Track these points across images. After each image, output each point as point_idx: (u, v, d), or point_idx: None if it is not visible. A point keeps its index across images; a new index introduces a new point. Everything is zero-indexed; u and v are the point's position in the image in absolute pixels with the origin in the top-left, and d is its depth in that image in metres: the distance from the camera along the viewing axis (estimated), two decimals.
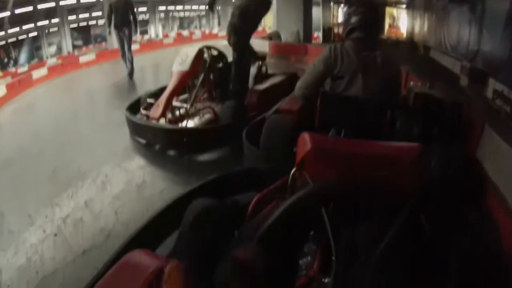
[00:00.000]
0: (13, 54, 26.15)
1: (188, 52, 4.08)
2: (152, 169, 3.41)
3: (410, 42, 19.68)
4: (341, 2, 2.97)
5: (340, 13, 13.02)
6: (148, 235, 1.64)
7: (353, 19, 2.38)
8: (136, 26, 8.34)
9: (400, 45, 19.27)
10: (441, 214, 1.49)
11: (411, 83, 3.28)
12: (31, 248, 2.41)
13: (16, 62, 25.25)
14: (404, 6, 31.31)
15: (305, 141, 1.26)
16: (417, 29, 21.83)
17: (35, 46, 19.91)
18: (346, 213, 1.07)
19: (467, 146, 2.68)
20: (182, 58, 4.06)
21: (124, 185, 3.10)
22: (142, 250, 1.22)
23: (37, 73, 9.87)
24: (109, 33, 9.15)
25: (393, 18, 33.84)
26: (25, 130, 5.07)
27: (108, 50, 14.53)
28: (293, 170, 1.34)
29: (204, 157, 3.50)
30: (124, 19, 8.04)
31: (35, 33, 25.81)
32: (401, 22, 32.47)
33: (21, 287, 2.18)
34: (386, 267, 1.02)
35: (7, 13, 18.53)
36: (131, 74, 8.43)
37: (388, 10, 33.09)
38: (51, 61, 16.83)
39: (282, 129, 2.72)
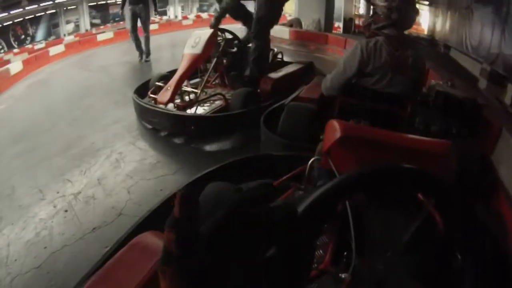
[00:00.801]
0: (30, 31, 26.25)
1: (201, 35, 3.94)
2: (168, 148, 3.37)
3: (431, 40, 19.42)
4: None
5: (362, 4, 12.78)
6: (160, 216, 1.63)
7: (393, 15, 2.28)
8: (155, 4, 7.52)
9: (421, 41, 19.03)
10: (457, 212, 1.48)
11: (432, 81, 3.23)
12: (41, 223, 2.43)
13: (33, 39, 25.37)
14: (427, 2, 30.87)
15: (334, 128, 1.24)
16: (438, 27, 21.48)
17: (53, 24, 19.99)
18: (368, 205, 1.04)
19: (484, 147, 2.65)
20: (195, 40, 3.92)
21: (138, 163, 3.09)
22: (154, 231, 1.21)
23: (54, 50, 9.90)
24: (122, 11, 7.81)
25: None
26: (40, 105, 5.10)
27: (126, 29, 14.54)
28: (311, 159, 1.31)
29: (216, 144, 3.42)
30: None
31: (53, 10, 25.79)
32: (422, 18, 32.08)
33: (28, 262, 2.20)
34: (408, 262, 1.00)
35: None
36: (146, 57, 7.82)
37: None
38: (69, 38, 16.89)
39: (301, 117, 2.68)
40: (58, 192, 2.71)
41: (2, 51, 24.10)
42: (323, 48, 9.32)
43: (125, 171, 2.94)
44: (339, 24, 16.94)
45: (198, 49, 3.83)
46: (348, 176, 0.91)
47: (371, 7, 2.44)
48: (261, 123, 2.87)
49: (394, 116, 2.28)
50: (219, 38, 4.13)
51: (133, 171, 2.94)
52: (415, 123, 2.51)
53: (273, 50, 4.54)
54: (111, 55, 9.38)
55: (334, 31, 12.77)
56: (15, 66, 7.84)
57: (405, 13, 2.33)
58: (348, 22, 17.29)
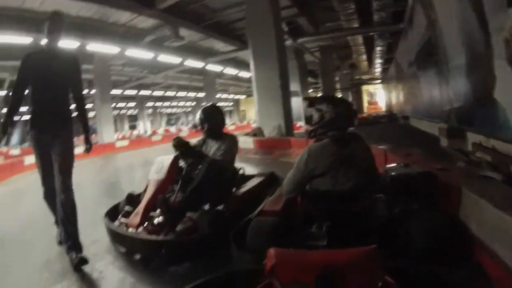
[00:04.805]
0: None
1: (164, 160, 3.98)
2: (145, 269, 3.22)
3: (389, 115, 20.57)
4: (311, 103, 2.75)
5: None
6: None
7: (328, 118, 2.57)
8: (86, 131, 3.62)
9: (381, 120, 20.00)
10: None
11: (386, 166, 3.43)
12: None
13: (8, 142, 25.31)
14: (379, 81, 33.23)
15: (271, 256, 1.44)
16: (394, 100, 22.81)
17: (27, 130, 20.32)
18: None
19: (449, 210, 2.76)
20: (158, 166, 3.95)
21: (119, 283, 3.01)
22: None
23: (29, 159, 10.13)
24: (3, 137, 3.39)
25: (370, 95, 35.67)
26: (16, 215, 4.97)
27: (98, 144, 15.00)
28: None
29: (190, 264, 3.30)
30: (54, 107, 3.38)
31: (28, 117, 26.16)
32: (378, 97, 34.20)
33: None
34: None
35: (3, 92, 19.05)
36: (72, 250, 3.20)
37: (365, 88, 34.98)
38: None
39: (266, 231, 2.69)
40: None
41: None
42: (287, 153, 9.53)
43: None
44: (301, 124, 17.85)
45: (161, 175, 3.85)
46: None
47: (316, 112, 2.69)
48: (230, 240, 2.91)
49: (355, 211, 2.42)
50: (181, 163, 4.04)
51: None
52: (377, 211, 2.61)
53: (236, 167, 4.62)
54: (85, 172, 9.35)
55: (296, 131, 13.25)
56: None
57: (349, 116, 2.63)
58: (310, 119, 18.11)
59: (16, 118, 3.41)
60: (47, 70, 3.29)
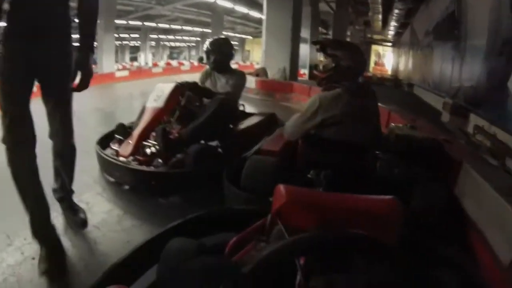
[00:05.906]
0: None
1: (164, 88, 3.78)
2: (134, 200, 3.26)
3: (395, 80, 20.45)
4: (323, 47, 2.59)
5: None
6: (123, 270, 1.59)
7: (345, 65, 2.42)
8: (91, 37, 2.39)
9: (385, 82, 19.92)
10: (421, 255, 1.54)
11: (392, 124, 3.35)
12: (8, 269, 2.29)
13: None
14: (390, 44, 32.57)
15: (281, 193, 1.25)
16: (401, 66, 22.56)
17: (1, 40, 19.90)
18: (321, 266, 1.06)
19: (448, 184, 2.72)
20: (158, 94, 3.76)
21: (105, 215, 3.00)
22: (117, 286, 1.19)
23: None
24: None
25: (378, 56, 35.03)
26: None
27: (97, 74, 14.50)
28: (270, 215, 1.32)
29: (180, 198, 3.28)
30: (48, 6, 2.08)
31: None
32: (386, 59, 33.69)
33: None
34: None
35: None
36: (64, 196, 2.83)
37: (374, 47, 34.29)
38: None
39: (263, 170, 2.59)
40: (25, 239, 2.58)
41: None
42: (288, 97, 9.58)
43: (93, 222, 2.81)
44: (305, 71, 17.59)
45: (160, 103, 3.67)
46: (295, 239, 0.96)
47: (328, 58, 2.53)
48: (223, 177, 2.83)
49: (356, 164, 2.37)
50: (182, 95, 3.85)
51: (101, 222, 2.83)
52: (376, 169, 2.55)
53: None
54: (82, 101, 9.22)
55: (300, 78, 13.18)
56: None
57: (356, 61, 2.48)
58: (314, 69, 17.74)
59: None
60: None
